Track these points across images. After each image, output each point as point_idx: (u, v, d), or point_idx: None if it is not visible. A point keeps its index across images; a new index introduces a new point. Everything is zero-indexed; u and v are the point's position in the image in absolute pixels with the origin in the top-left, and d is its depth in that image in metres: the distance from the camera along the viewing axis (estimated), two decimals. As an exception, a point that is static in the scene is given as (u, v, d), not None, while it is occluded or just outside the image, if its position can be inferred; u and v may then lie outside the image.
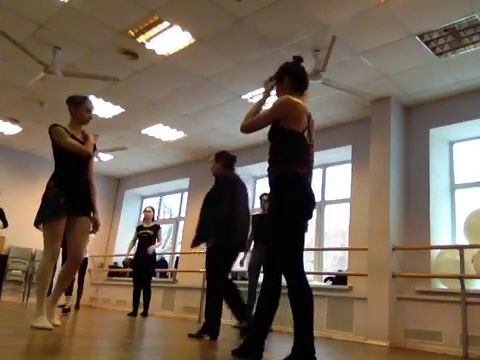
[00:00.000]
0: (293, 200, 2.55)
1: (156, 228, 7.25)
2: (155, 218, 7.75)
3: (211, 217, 3.96)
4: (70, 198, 3.39)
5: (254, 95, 6.18)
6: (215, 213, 3.92)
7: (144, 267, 7.03)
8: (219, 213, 3.89)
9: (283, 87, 2.81)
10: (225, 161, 4.26)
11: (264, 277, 2.61)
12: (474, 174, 5.79)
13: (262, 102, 2.91)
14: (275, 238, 2.57)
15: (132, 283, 7.23)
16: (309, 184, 2.68)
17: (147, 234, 7.18)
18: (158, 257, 9.41)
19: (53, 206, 3.33)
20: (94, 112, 7.09)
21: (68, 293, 6.32)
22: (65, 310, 6.06)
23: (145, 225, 7.32)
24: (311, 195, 2.64)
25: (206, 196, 4.18)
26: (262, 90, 5.77)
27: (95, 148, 3.77)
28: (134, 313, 6.89)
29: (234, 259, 4.19)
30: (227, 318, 7.00)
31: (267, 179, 2.72)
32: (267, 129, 2.78)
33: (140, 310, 6.97)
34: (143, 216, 7.64)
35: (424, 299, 5.15)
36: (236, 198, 4.01)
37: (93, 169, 3.73)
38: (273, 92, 2.94)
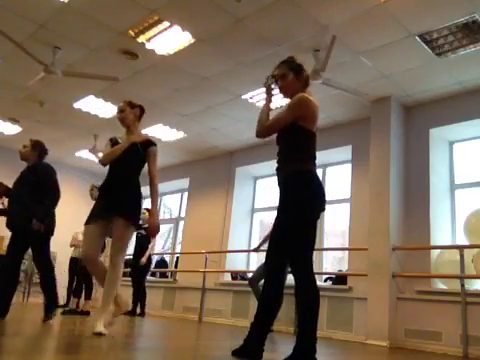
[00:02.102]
0: (306, 198, 2.55)
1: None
2: None
3: (37, 202, 4.18)
4: (105, 201, 3.40)
5: (254, 95, 6.18)
6: (47, 200, 4.22)
7: (137, 267, 7.11)
8: (51, 201, 4.23)
9: (294, 84, 2.76)
10: (41, 151, 4.56)
11: (266, 277, 2.59)
12: (474, 174, 5.79)
13: (268, 104, 2.85)
14: (287, 236, 2.53)
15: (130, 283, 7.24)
16: (320, 180, 2.68)
17: (140, 234, 7.23)
18: (158, 257, 9.43)
19: (91, 211, 3.43)
20: (94, 112, 7.20)
21: (87, 297, 6.12)
22: (66, 312, 5.92)
23: (144, 225, 7.31)
24: (323, 191, 2.64)
25: (21, 179, 4.54)
26: (262, 90, 5.72)
27: (151, 143, 3.54)
28: (131, 312, 6.88)
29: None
30: (228, 318, 7.03)
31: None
32: None
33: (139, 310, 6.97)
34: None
35: (424, 299, 5.15)
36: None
37: (154, 170, 3.48)
38: (275, 91, 2.92)
